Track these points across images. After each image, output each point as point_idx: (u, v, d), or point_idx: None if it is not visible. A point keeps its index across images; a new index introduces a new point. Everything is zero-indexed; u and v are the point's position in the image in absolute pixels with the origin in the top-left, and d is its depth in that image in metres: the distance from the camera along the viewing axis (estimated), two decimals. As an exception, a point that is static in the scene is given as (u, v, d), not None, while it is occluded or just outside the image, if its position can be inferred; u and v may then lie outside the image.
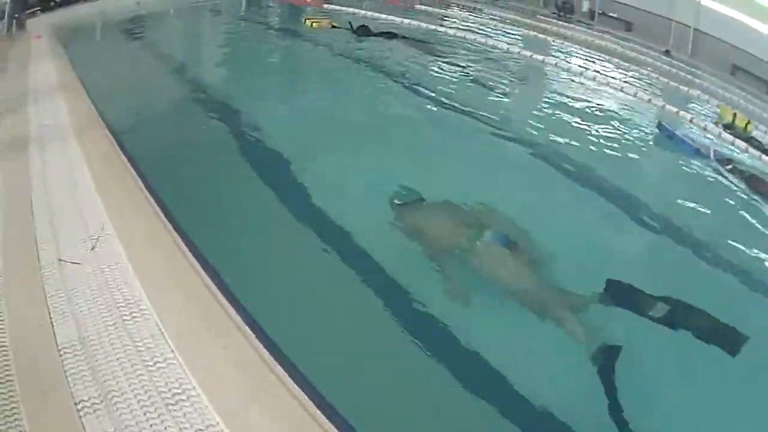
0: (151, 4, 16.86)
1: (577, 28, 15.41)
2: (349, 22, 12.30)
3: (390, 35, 11.61)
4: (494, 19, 15.52)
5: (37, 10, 16.65)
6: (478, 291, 3.65)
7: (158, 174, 4.56)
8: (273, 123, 6.35)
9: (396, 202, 4.46)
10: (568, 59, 11.07)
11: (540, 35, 13.18)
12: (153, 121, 7.01)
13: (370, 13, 14.38)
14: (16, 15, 14.40)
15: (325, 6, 15.94)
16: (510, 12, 17.08)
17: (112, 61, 11.00)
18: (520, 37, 12.96)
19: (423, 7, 16.79)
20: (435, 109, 7.24)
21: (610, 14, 16.79)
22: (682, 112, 8.17)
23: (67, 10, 15.98)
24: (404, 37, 11.49)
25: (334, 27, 12.62)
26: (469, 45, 11.38)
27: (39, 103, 7.37)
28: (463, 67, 9.65)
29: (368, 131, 6.11)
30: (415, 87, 8.11)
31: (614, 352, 3.18)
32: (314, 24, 12.82)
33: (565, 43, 12.83)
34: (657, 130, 6.98)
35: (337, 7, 15.27)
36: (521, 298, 3.54)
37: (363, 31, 11.70)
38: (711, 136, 7.35)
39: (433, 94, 7.67)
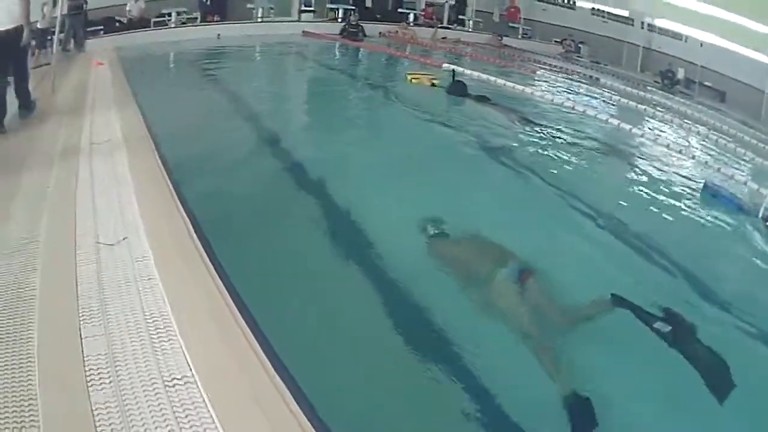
0: (232, 38, 14.88)
1: (671, 97, 14.88)
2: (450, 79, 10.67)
3: (481, 99, 9.94)
4: (595, 86, 14.50)
5: (100, 29, 14.78)
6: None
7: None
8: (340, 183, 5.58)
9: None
10: (656, 130, 10.38)
11: (631, 102, 12.03)
12: (228, 186, 5.51)
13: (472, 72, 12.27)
14: (75, 33, 12.39)
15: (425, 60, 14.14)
16: (610, 78, 16.12)
17: (183, 102, 8.98)
18: (613, 104, 12.16)
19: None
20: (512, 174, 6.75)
21: (705, 83, 16.99)
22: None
23: (134, 35, 14.00)
24: (493, 103, 9.80)
25: (433, 85, 11.03)
26: (562, 111, 9.94)
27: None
28: (551, 135, 8.56)
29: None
30: (496, 154, 7.34)
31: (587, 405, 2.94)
32: (413, 80, 11.26)
33: (656, 111, 11.86)
34: (702, 190, 6.79)
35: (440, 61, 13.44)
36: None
37: (457, 90, 10.23)
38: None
39: (510, 162, 7.09)
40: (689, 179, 7.33)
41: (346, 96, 11.14)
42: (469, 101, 9.93)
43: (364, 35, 17.47)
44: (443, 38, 19.72)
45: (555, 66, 17.13)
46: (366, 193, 5.49)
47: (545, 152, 7.61)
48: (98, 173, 4.72)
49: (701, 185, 6.91)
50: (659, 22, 20.05)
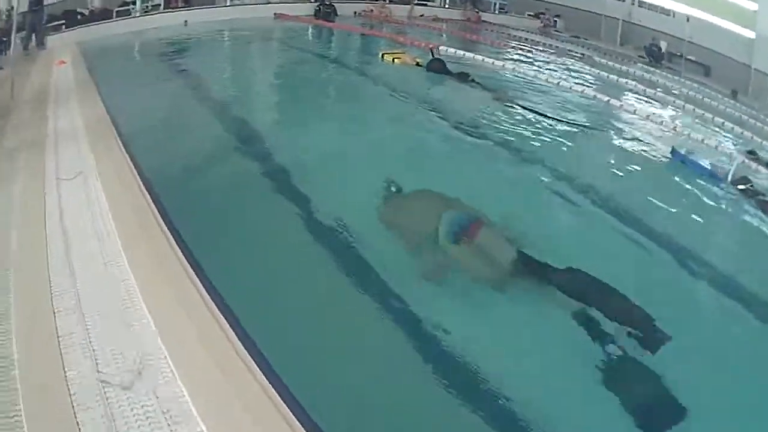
0: (200, 25, 14.27)
1: (657, 71, 15.15)
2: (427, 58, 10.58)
3: (462, 76, 9.86)
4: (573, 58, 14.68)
5: (62, 24, 14.08)
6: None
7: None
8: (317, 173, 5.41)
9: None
10: (639, 103, 10.49)
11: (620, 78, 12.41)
12: (209, 188, 5.24)
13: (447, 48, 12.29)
14: (35, 30, 11.75)
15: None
16: (594, 52, 16.31)
17: (155, 102, 8.43)
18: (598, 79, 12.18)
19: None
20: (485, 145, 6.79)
21: (689, 58, 16.85)
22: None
23: (97, 27, 13.38)
24: (474, 80, 9.71)
25: (418, 65, 10.73)
26: (537, 84, 10.22)
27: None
28: (528, 109, 8.53)
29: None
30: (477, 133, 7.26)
31: None
32: (396, 59, 10.90)
33: (643, 87, 12.14)
34: (670, 156, 7.06)
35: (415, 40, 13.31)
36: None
37: (436, 67, 10.19)
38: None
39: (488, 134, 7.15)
40: (661, 147, 7.55)
41: (325, 80, 10.80)
42: (449, 79, 9.80)
43: (336, 14, 16.84)
44: (420, 15, 19.31)
45: (536, 42, 16.98)
46: (351, 181, 5.33)
47: (523, 127, 7.59)
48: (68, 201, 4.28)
49: (671, 152, 7.15)
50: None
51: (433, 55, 10.64)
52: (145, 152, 5.18)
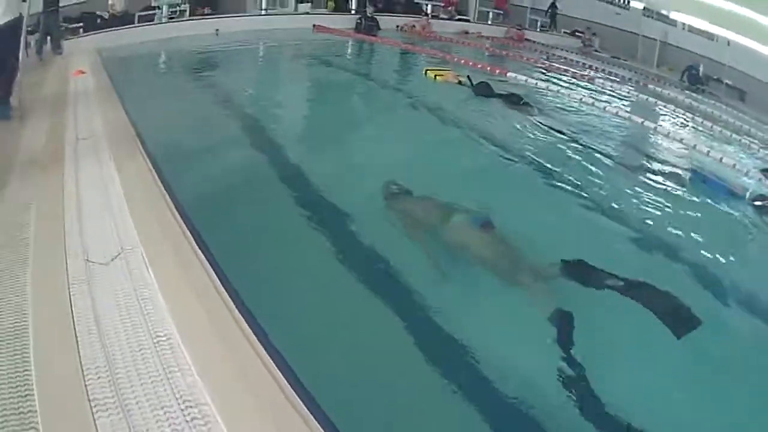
0: (233, 35, 12.92)
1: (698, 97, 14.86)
2: (468, 77, 10.16)
3: (512, 99, 9.27)
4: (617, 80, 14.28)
5: (79, 27, 12.74)
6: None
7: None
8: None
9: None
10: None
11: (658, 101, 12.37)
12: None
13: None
14: (50, 32, 10.36)
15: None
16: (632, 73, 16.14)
17: (190, 122, 7.26)
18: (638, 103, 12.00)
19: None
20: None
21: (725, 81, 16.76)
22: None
23: (119, 33, 11.99)
24: (526, 103, 9.19)
25: (460, 83, 10.22)
26: (583, 108, 9.99)
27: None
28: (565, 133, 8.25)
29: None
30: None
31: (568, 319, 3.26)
32: (438, 77, 10.49)
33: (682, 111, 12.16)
34: (691, 175, 7.08)
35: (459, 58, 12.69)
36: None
37: (483, 90, 9.62)
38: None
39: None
40: (684, 167, 7.52)
41: (364, 97, 10.15)
42: (496, 101, 9.26)
43: (379, 29, 15.60)
44: (465, 32, 18.24)
45: (579, 62, 16.36)
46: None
47: (562, 151, 7.40)
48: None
49: (691, 171, 7.18)
50: (675, 15, 19.53)
51: (472, 84, 9.91)
52: (184, 181, 4.49)
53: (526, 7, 22.58)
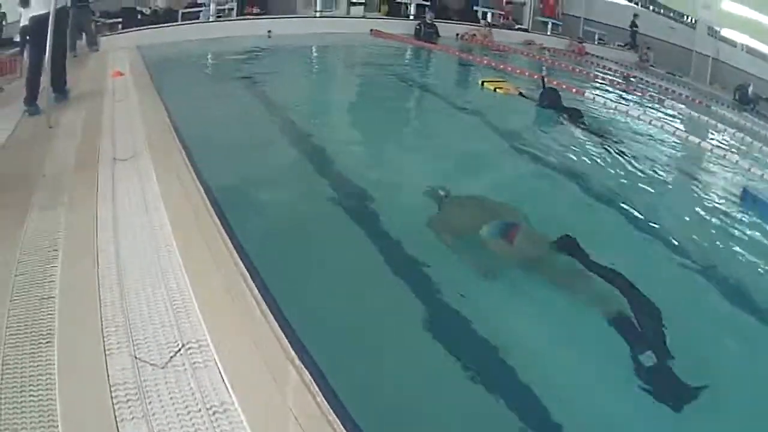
0: (285, 38, 11.86)
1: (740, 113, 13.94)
2: (543, 78, 9.46)
3: (573, 115, 8.50)
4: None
5: (118, 22, 11.77)
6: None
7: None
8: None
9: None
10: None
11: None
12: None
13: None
14: (83, 27, 9.37)
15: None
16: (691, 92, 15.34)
17: (236, 128, 6.33)
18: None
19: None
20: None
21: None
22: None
23: (161, 31, 10.99)
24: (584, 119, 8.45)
25: (522, 95, 9.44)
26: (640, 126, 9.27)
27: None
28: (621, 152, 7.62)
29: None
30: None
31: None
32: (497, 89, 9.63)
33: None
34: (742, 195, 6.70)
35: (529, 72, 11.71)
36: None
37: (550, 99, 8.76)
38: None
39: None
40: (732, 186, 7.26)
41: (421, 109, 9.32)
42: (559, 115, 8.52)
43: (438, 36, 14.45)
44: (528, 43, 17.04)
45: (638, 78, 15.62)
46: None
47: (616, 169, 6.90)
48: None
49: (741, 191, 6.90)
50: (726, 32, 18.63)
51: (544, 86, 9.06)
52: (232, 197, 4.12)
53: (579, 17, 21.24)
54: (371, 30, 13.99)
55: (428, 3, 15.50)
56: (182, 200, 3.48)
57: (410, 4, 15.29)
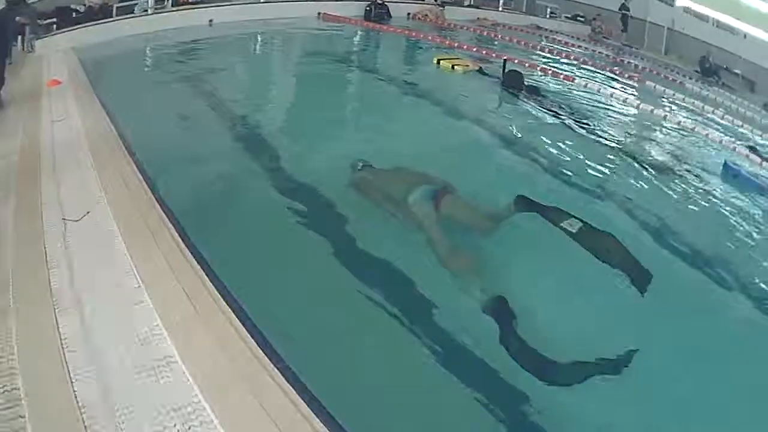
0: (228, 26, 11.55)
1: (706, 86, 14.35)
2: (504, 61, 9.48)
3: (534, 93, 8.66)
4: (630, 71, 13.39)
5: (52, 23, 11.22)
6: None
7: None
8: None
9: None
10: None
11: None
12: None
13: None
14: (20, 30, 8.96)
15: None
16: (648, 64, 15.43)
17: (184, 131, 6.28)
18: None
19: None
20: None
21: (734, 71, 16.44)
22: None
23: (97, 28, 10.55)
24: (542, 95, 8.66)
25: (482, 72, 9.59)
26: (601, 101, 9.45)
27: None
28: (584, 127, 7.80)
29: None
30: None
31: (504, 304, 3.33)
32: (456, 66, 9.65)
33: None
34: (722, 170, 6.96)
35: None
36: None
37: (513, 80, 8.78)
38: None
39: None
40: (711, 160, 7.41)
41: (378, 94, 8.90)
42: (523, 94, 8.59)
43: (390, 17, 14.25)
44: (483, 19, 17.00)
45: (593, 52, 15.67)
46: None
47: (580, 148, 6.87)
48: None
49: (721, 165, 6.99)
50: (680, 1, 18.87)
51: (505, 68, 9.10)
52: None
53: None
54: (319, 13, 13.72)
55: (378, -19, 15.16)
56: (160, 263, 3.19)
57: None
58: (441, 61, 9.90)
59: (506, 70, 8.95)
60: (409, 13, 15.53)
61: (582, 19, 20.18)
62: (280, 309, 3.03)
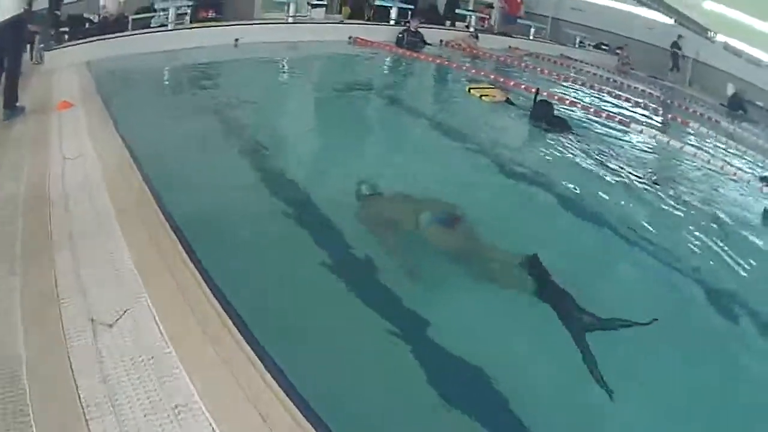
0: (255, 47, 10.80)
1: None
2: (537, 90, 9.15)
3: (563, 126, 8.17)
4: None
5: (64, 32, 10.35)
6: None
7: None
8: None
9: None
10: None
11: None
12: None
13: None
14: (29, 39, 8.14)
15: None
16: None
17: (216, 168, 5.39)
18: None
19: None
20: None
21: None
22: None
23: (112, 42, 9.61)
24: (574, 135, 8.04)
25: (509, 102, 9.29)
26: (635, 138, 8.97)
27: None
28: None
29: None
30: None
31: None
32: (483, 96, 9.34)
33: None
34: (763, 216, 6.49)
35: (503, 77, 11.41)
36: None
37: (542, 112, 8.32)
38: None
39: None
40: (749, 203, 7.01)
41: (409, 129, 8.25)
42: (551, 127, 8.14)
43: (424, 44, 13.46)
44: (515, 49, 16.36)
45: (621, 84, 15.14)
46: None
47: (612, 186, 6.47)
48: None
49: (762, 209, 6.70)
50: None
51: (536, 99, 8.73)
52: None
53: (547, 16, 20.51)
54: (351, 37, 12.94)
55: (411, 8, 14.45)
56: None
57: (391, 8, 14.14)
58: (470, 90, 9.67)
59: (536, 101, 8.59)
60: (441, 40, 14.79)
61: (606, 47, 19.73)
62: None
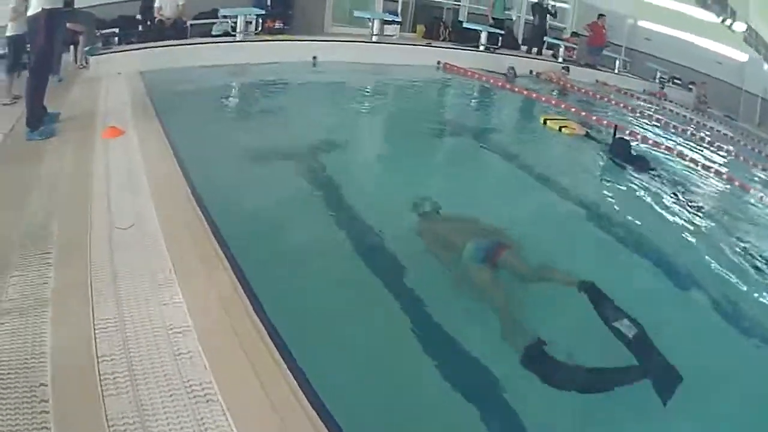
0: (334, 66, 9.39)
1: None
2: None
3: (642, 165, 7.60)
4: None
5: (113, 34, 8.97)
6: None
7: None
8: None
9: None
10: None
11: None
12: None
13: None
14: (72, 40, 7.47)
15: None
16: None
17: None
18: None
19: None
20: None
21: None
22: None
23: (170, 51, 8.23)
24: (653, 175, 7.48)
25: (588, 136, 8.75)
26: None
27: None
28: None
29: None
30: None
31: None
32: (563, 129, 8.77)
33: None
34: None
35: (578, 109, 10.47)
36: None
37: (620, 149, 7.84)
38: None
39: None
40: None
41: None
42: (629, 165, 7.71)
43: (516, 75, 12.09)
44: (603, 83, 15.03)
45: (702, 125, 14.12)
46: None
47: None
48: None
49: None
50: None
51: (615, 135, 8.37)
52: None
53: (620, 45, 18.82)
54: (439, 62, 11.51)
55: (502, 33, 13.02)
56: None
57: (481, 32, 12.68)
58: (548, 121, 9.09)
59: (615, 137, 8.25)
60: (531, 71, 13.47)
61: (679, 82, 18.29)
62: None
